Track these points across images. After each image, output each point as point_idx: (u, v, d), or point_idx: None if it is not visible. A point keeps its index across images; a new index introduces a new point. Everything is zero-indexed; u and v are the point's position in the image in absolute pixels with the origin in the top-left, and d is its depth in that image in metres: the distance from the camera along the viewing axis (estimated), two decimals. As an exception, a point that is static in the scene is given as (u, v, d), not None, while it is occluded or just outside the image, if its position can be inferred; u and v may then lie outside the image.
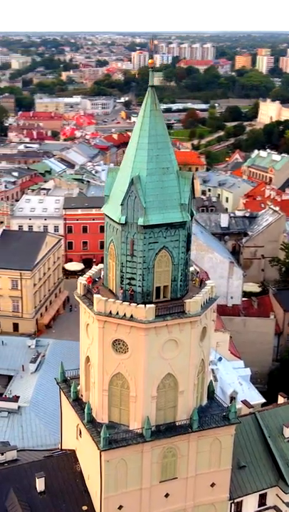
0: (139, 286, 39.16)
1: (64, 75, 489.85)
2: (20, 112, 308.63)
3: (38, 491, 42.33)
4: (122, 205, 38.61)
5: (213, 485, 43.80)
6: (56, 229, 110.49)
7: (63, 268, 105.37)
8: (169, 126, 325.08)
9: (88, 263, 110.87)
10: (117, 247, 39.77)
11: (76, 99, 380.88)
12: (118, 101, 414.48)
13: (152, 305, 38.48)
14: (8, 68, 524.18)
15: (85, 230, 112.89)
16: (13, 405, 55.81)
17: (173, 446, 41.55)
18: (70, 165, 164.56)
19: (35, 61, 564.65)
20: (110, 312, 39.19)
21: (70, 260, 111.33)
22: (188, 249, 40.56)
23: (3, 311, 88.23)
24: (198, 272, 43.40)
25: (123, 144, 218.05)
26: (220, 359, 62.36)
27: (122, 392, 40.49)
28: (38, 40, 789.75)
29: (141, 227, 38.21)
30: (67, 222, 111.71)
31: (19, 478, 42.93)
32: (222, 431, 42.76)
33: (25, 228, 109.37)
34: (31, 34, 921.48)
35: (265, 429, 48.72)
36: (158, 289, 39.75)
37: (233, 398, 59.38)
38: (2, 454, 44.65)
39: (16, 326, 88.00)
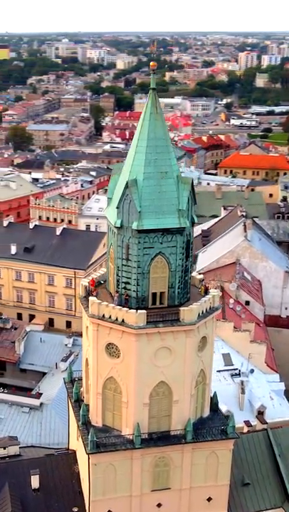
0: (134, 290, 38.65)
1: (168, 76, 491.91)
2: (116, 112, 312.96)
3: (33, 488, 42.72)
4: (117, 208, 38.34)
5: (209, 499, 42.55)
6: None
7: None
8: (269, 130, 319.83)
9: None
10: (114, 250, 39.55)
11: (177, 99, 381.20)
12: (220, 102, 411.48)
13: (143, 311, 37.86)
14: (113, 68, 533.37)
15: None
16: (35, 402, 56.63)
17: (165, 456, 40.75)
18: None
19: (141, 61, 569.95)
20: (103, 315, 38.97)
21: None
22: (187, 256, 39.62)
23: (57, 309, 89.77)
24: (202, 280, 42.29)
25: (212, 146, 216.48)
26: (252, 371, 60.45)
27: (115, 396, 40.15)
28: (147, 41, 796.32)
29: (135, 232, 37.69)
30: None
31: (16, 474, 43.45)
32: (219, 445, 41.45)
33: (92, 228, 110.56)
34: (142, 34, 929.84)
35: (276, 447, 46.75)
36: (154, 295, 39.11)
37: (260, 412, 57.63)
38: (4, 449, 45.44)
39: (68, 324, 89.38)
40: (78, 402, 43.87)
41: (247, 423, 51.23)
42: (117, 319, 38.42)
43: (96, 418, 41.13)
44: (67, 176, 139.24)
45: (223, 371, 59.77)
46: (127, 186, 37.55)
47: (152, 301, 39.06)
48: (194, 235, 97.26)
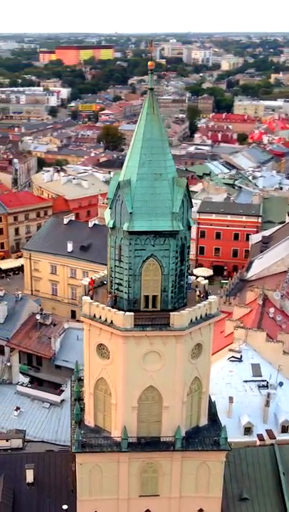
0: (126, 292, 38.26)
1: (273, 77, 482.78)
2: (212, 114, 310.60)
3: (27, 482, 43.32)
4: (110, 208, 38.18)
5: (201, 511, 41.53)
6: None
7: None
8: None
9: (219, 270, 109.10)
10: (109, 251, 39.41)
11: (279, 102, 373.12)
12: None
13: (131, 313, 37.42)
14: (217, 69, 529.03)
15: (218, 236, 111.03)
16: (56, 398, 57.08)
17: (154, 462, 40.18)
18: (235, 168, 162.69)
19: (247, 62, 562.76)
20: (94, 315, 38.88)
21: (200, 265, 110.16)
22: (182, 260, 38.74)
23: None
24: (198, 286, 41.30)
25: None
26: (281, 384, 58.16)
27: (106, 398, 39.99)
28: (258, 41, 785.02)
29: (126, 233, 37.31)
30: (200, 226, 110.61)
31: (14, 467, 44.19)
32: (210, 456, 40.36)
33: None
34: (253, 35, 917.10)
35: (281, 465, 44.89)
36: (147, 298, 38.51)
37: (284, 427, 55.56)
38: (7, 441, 46.29)
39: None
40: (78, 400, 43.95)
41: (260, 437, 49.60)
42: (106, 320, 38.23)
43: (89, 418, 41.17)
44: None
45: (250, 382, 58.00)
46: (119, 187, 37.22)
47: (145, 304, 38.50)
48: (255, 241, 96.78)
